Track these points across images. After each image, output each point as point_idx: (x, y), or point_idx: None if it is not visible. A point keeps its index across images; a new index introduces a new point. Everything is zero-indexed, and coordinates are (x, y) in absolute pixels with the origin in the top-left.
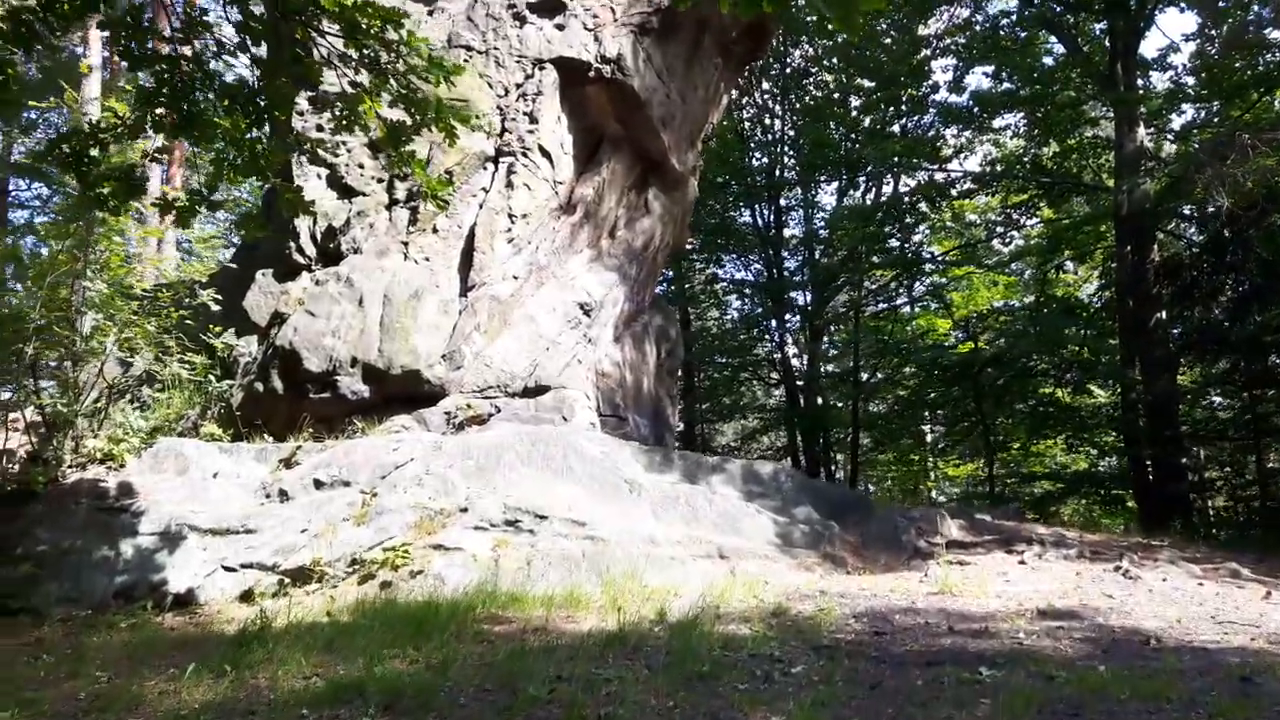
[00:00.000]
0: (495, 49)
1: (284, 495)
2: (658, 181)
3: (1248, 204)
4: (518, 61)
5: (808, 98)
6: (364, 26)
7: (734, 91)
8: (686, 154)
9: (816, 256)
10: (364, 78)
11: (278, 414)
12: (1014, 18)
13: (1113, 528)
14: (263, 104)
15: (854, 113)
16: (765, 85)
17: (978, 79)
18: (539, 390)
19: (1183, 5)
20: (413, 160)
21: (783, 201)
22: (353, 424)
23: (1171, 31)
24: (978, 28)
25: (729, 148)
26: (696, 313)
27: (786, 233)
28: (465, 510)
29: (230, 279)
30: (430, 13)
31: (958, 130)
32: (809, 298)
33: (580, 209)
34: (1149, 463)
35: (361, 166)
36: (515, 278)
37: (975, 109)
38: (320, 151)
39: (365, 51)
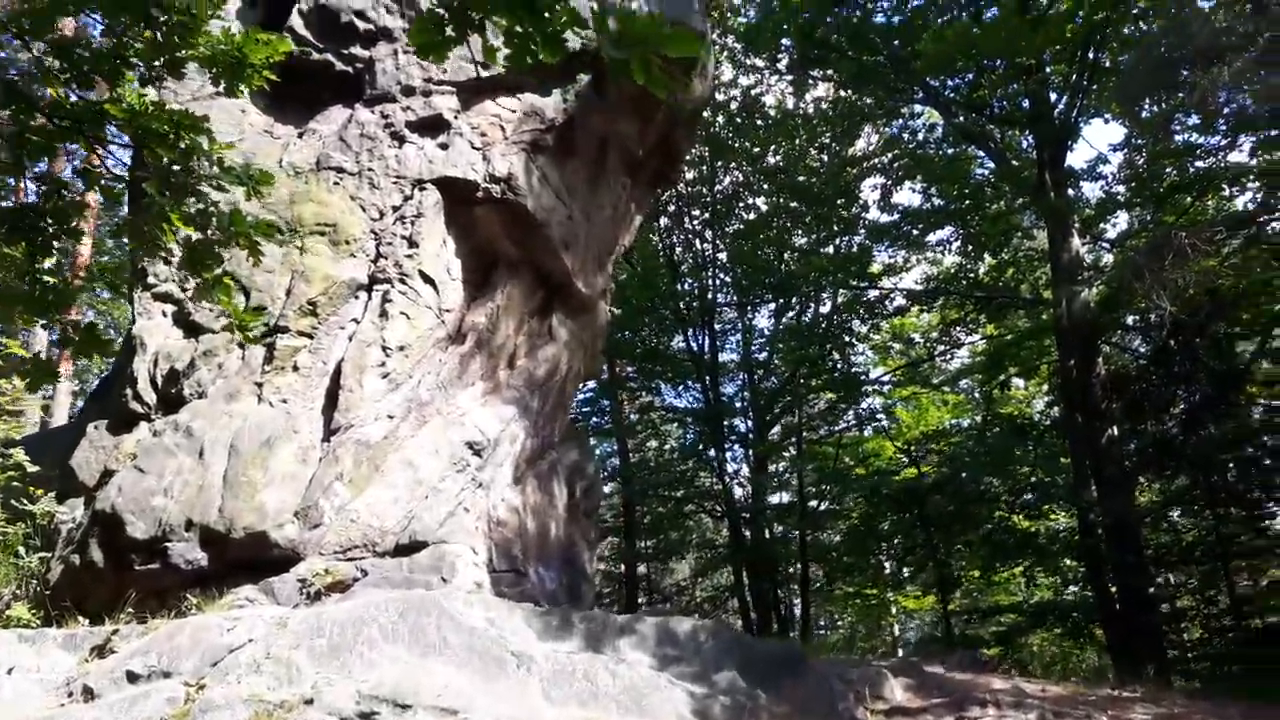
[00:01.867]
0: (370, 169)
1: (89, 693)
2: (563, 306)
3: (1191, 310)
4: (395, 182)
5: (738, 222)
6: (158, 134)
7: (646, 212)
8: (595, 277)
9: (755, 381)
10: (159, 193)
11: (99, 591)
12: (939, 133)
13: (1082, 666)
14: (49, 228)
15: (786, 235)
16: (695, 211)
17: (908, 196)
18: (414, 547)
19: (1108, 116)
20: (218, 286)
21: (717, 325)
22: (187, 599)
23: (1099, 143)
24: (906, 145)
25: (654, 273)
26: (635, 443)
27: (723, 357)
28: (310, 702)
29: (71, 435)
30: (300, 134)
31: (891, 248)
32: (750, 425)
33: (471, 338)
34: (1114, 590)
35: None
36: (391, 417)
37: (906, 226)
38: (165, 285)
39: (163, 163)
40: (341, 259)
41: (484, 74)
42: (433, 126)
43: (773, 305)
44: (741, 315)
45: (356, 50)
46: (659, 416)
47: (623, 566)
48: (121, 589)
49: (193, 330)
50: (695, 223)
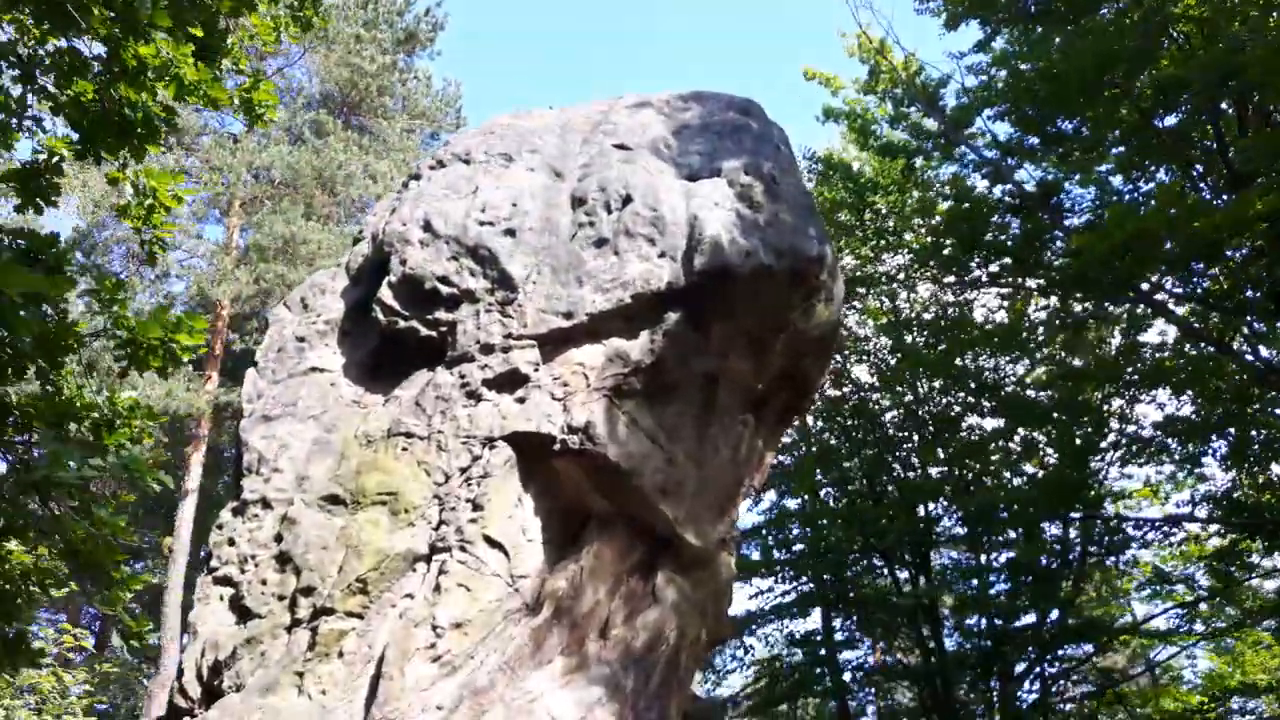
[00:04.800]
0: (439, 432)
1: None
2: (670, 562)
3: None
4: (464, 443)
5: (957, 444)
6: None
7: (777, 448)
8: (710, 526)
9: (994, 629)
10: None
11: None
12: (1171, 340)
13: None
14: None
15: (1014, 458)
16: (905, 433)
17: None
18: None
19: None
20: (114, 588)
21: (936, 563)
22: None
23: None
24: (1146, 354)
25: (852, 507)
26: (857, 705)
27: (948, 599)
28: None
29: None
30: (385, 402)
31: (1146, 466)
32: (992, 684)
33: (549, 607)
34: None
35: (264, 583)
36: (439, 708)
37: (1152, 442)
38: (226, 568)
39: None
40: (399, 529)
41: (566, 324)
42: (510, 382)
43: (1006, 538)
44: (977, 552)
45: (441, 314)
46: (883, 675)
47: None
48: None
49: (244, 615)
50: (905, 449)
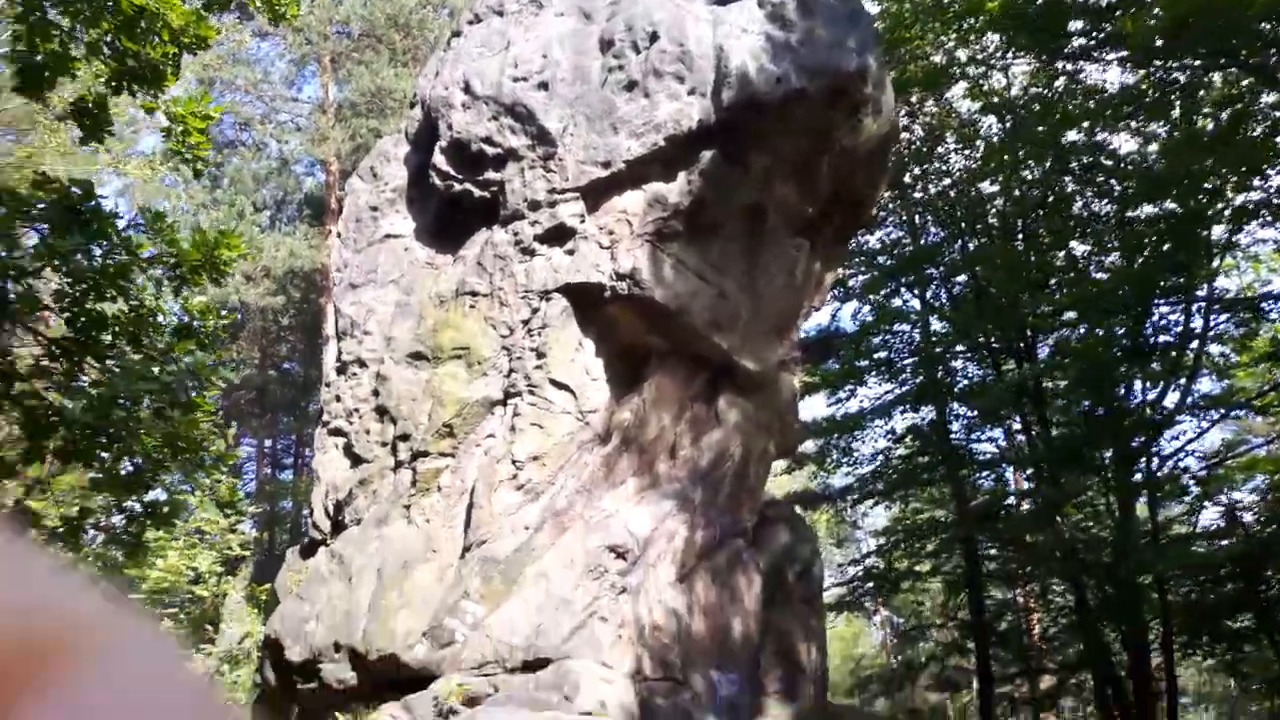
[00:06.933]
0: (500, 289)
1: None
2: (730, 387)
3: None
4: (523, 297)
5: (1068, 225)
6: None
7: (837, 267)
8: (769, 350)
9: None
10: None
11: (277, 708)
12: None
13: None
14: None
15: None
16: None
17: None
18: (538, 664)
19: None
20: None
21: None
22: (335, 718)
23: None
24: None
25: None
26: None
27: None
28: None
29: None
30: (454, 262)
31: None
32: (1107, 463)
33: (617, 436)
34: None
35: (368, 432)
36: (526, 528)
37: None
38: (337, 421)
39: None
40: (475, 379)
41: (605, 173)
42: (559, 236)
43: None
44: (1090, 333)
45: (490, 175)
46: (994, 461)
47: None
48: (288, 707)
49: (356, 461)
50: (1010, 238)
